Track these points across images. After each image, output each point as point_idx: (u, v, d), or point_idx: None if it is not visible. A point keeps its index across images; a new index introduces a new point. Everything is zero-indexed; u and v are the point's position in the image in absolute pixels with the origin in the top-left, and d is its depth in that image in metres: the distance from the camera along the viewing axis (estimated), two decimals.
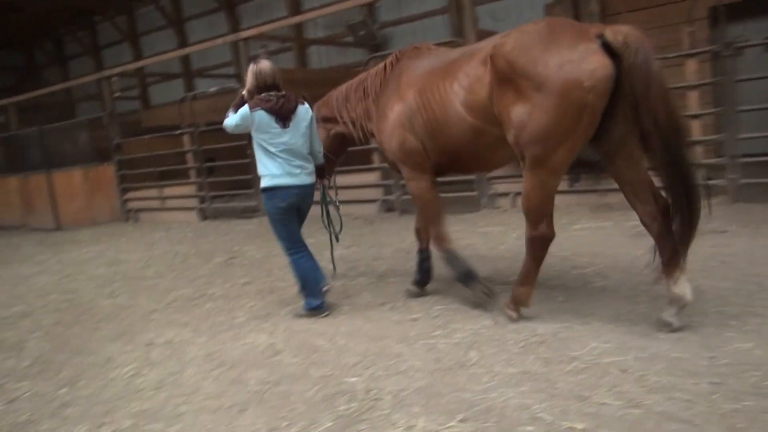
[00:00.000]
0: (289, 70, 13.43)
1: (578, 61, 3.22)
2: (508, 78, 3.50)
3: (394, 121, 4.31)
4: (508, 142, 3.63)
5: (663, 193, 3.50)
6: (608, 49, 3.21)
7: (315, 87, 6.15)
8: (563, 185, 6.97)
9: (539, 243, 3.69)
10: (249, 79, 4.33)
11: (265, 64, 4.32)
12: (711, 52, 6.88)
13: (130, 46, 21.09)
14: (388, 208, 9.28)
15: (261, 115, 4.22)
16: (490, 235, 6.70)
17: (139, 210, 12.94)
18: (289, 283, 5.19)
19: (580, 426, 2.57)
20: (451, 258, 4.33)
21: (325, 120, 4.97)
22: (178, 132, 11.64)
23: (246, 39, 10.39)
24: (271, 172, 4.31)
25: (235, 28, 16.73)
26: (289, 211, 4.40)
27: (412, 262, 4.97)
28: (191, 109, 11.37)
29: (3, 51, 24.32)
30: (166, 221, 11.96)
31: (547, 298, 4.22)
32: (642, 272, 4.13)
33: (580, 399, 2.80)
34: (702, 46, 7.15)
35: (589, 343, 3.39)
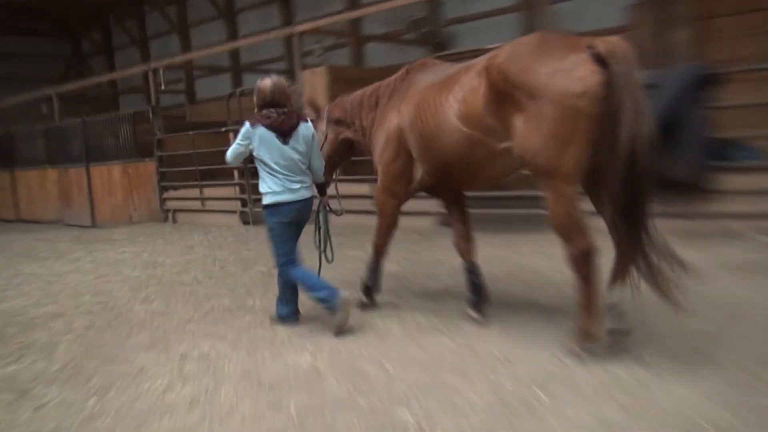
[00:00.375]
0: (343, 68, 13.54)
1: (569, 70, 3.52)
2: (502, 89, 3.77)
3: (389, 133, 4.77)
4: (501, 156, 3.95)
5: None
6: (599, 58, 3.49)
7: None
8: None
9: (582, 260, 3.66)
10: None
11: (266, 82, 4.70)
12: None
13: (179, 37, 21.72)
14: (445, 222, 9.18)
15: (262, 131, 4.61)
16: (556, 259, 6.49)
17: (177, 210, 13.20)
18: None
19: None
20: (374, 269, 5.10)
21: (337, 123, 5.42)
22: (223, 129, 11.75)
23: (300, 33, 10.54)
24: (272, 189, 4.71)
25: (289, 21, 17.00)
26: (291, 226, 4.79)
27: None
28: (239, 106, 11.40)
29: (50, 39, 25.48)
30: (206, 224, 12.18)
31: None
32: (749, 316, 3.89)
33: None
34: None
35: (675, 389, 3.21)
